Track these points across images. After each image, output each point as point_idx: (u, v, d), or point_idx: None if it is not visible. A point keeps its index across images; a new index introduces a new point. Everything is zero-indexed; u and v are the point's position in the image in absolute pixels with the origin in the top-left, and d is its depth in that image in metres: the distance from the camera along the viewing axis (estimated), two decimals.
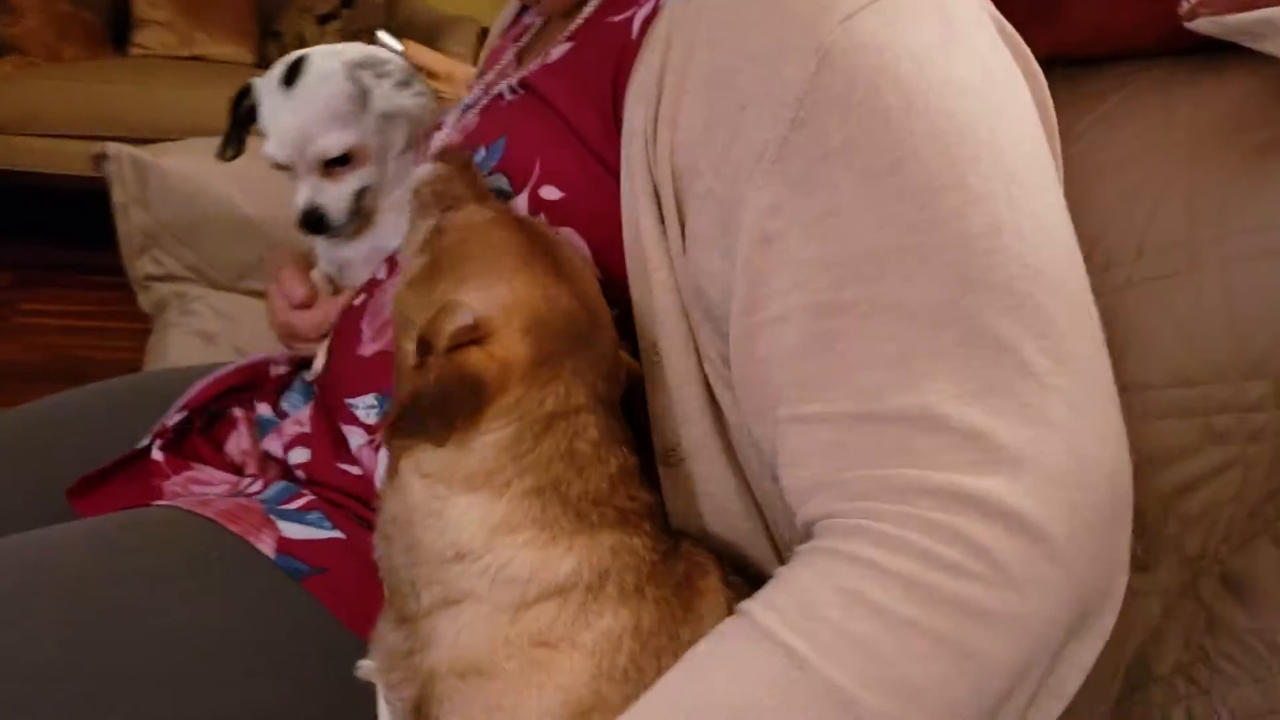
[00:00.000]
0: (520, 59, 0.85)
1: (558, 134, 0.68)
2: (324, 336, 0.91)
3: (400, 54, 2.03)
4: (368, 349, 0.77)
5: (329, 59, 0.89)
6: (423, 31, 3.83)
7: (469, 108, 0.87)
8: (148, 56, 3.79)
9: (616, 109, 0.65)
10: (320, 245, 0.99)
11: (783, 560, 0.65)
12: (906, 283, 0.52)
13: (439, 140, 0.86)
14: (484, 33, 3.89)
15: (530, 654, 0.56)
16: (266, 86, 0.90)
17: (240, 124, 0.95)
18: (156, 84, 3.44)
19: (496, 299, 0.57)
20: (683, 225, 0.61)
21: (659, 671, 0.56)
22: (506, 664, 0.56)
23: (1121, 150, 0.82)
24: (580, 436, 0.59)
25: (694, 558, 0.63)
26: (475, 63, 4.03)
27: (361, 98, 0.88)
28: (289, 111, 0.88)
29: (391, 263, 0.83)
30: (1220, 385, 0.70)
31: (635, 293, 0.64)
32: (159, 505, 0.81)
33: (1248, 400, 0.69)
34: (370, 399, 0.75)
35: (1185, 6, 0.76)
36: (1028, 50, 0.63)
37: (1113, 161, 0.82)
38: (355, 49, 0.92)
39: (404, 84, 0.89)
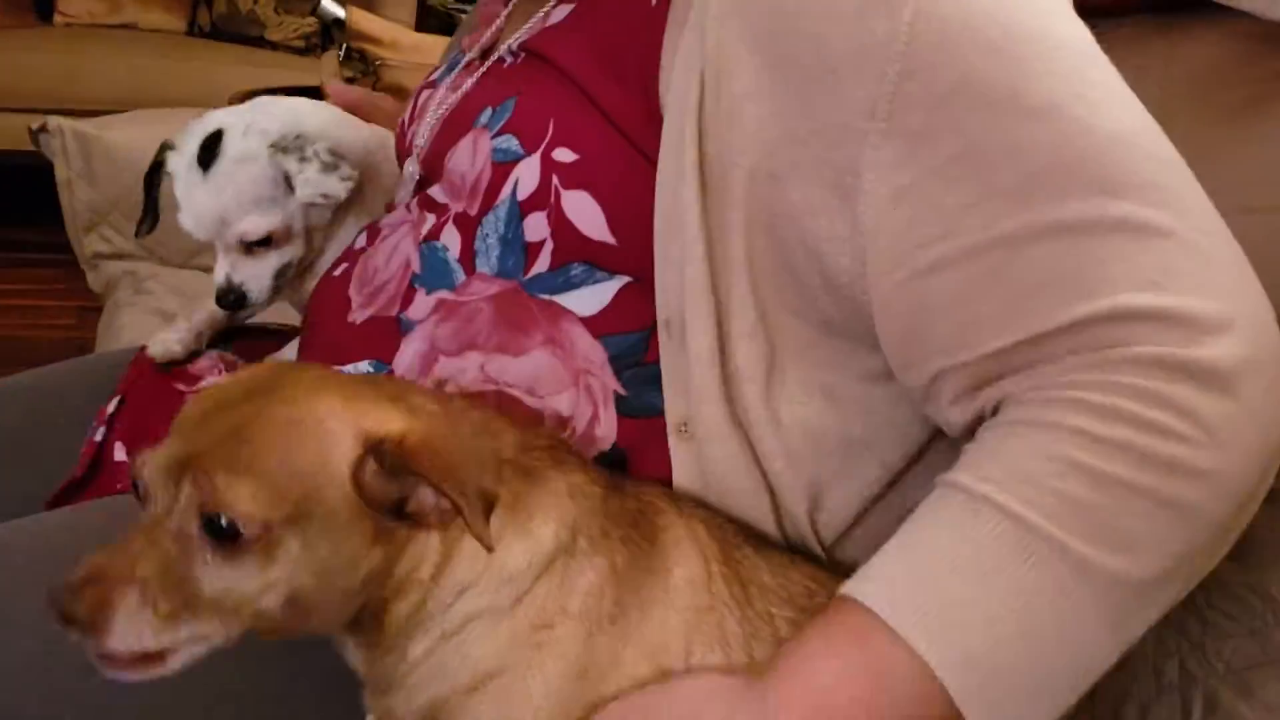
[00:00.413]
0: (511, 18, 0.83)
1: (571, 98, 0.67)
2: None
3: (343, 21, 1.99)
4: (359, 315, 0.76)
5: (248, 137, 0.85)
6: None
7: (455, 67, 0.85)
8: (73, 25, 3.67)
9: (648, 84, 0.64)
10: None
11: (786, 537, 0.65)
12: (1059, 202, 0.52)
13: (432, 102, 0.84)
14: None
15: (533, 640, 0.57)
16: (180, 162, 0.86)
17: (158, 197, 0.92)
18: (85, 54, 3.33)
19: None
20: (754, 205, 0.60)
21: (641, 605, 0.58)
22: (512, 657, 0.57)
23: None
24: (474, 409, 0.61)
25: (642, 496, 0.63)
26: (415, 26, 3.94)
27: (284, 181, 0.84)
28: (206, 193, 0.84)
29: (372, 231, 0.81)
30: None
31: (660, 264, 0.63)
32: None
33: None
34: (365, 365, 0.73)
35: None
36: None
37: None
38: (275, 121, 0.86)
39: (330, 167, 0.84)
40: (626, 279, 0.66)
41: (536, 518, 0.58)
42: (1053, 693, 0.53)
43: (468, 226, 0.70)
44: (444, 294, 0.70)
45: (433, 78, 0.89)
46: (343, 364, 0.74)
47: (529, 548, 0.57)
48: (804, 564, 0.64)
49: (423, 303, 0.71)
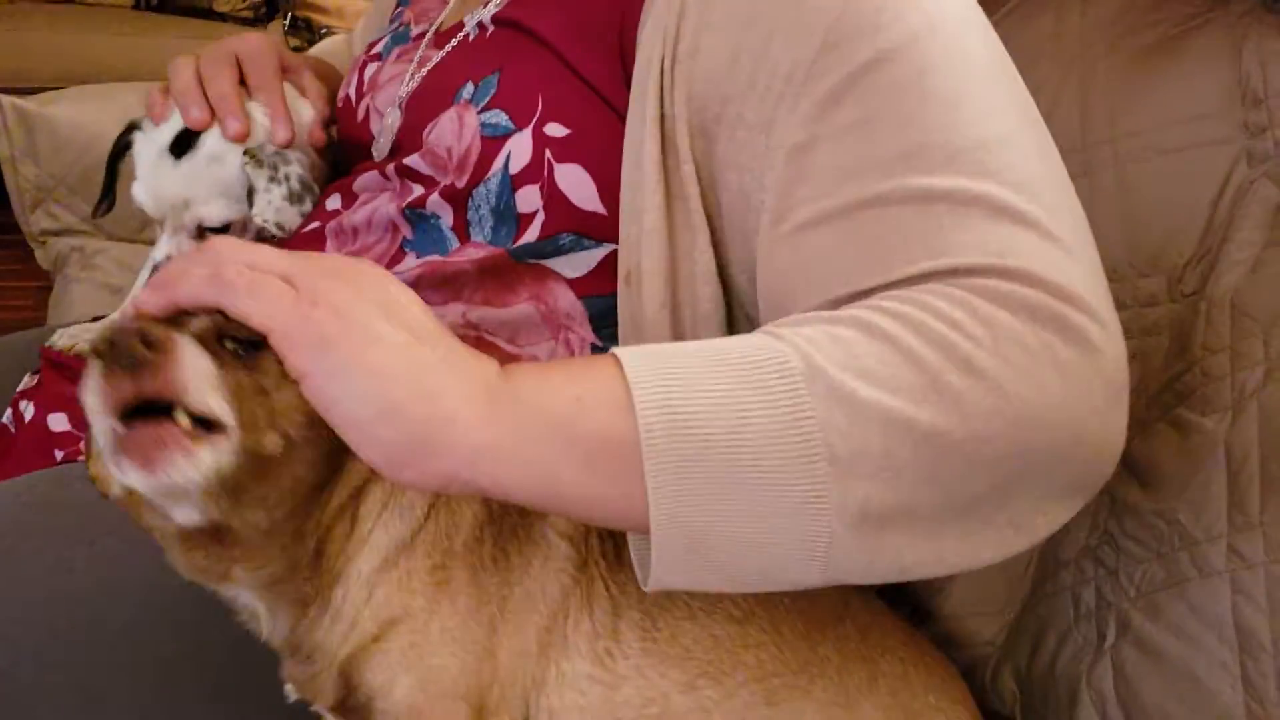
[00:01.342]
0: None
1: (555, 70, 0.68)
2: None
3: None
4: None
5: (224, 143, 0.84)
6: None
7: (400, 39, 0.85)
8: (18, 1, 3.61)
9: (625, 51, 0.66)
10: None
11: None
12: (935, 175, 0.54)
13: (382, 77, 0.84)
14: None
15: (429, 581, 0.58)
16: (149, 146, 0.85)
17: (117, 176, 0.91)
18: (32, 31, 3.27)
19: None
20: (699, 163, 0.62)
21: (521, 552, 0.59)
22: (414, 602, 0.58)
23: (1017, 59, 0.83)
24: None
25: None
26: None
27: (249, 191, 0.84)
28: (174, 178, 0.84)
29: (346, 193, 0.82)
30: (1117, 284, 0.73)
31: (624, 217, 0.65)
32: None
33: (1143, 296, 0.73)
34: None
35: None
36: None
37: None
38: (261, 133, 0.86)
39: (296, 198, 0.84)
40: (612, 246, 0.68)
41: None
42: (734, 537, 0.48)
43: (457, 198, 0.71)
44: (434, 258, 0.72)
45: (375, 50, 0.89)
46: None
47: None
48: None
49: (410, 263, 0.73)
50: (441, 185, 0.72)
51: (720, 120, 0.60)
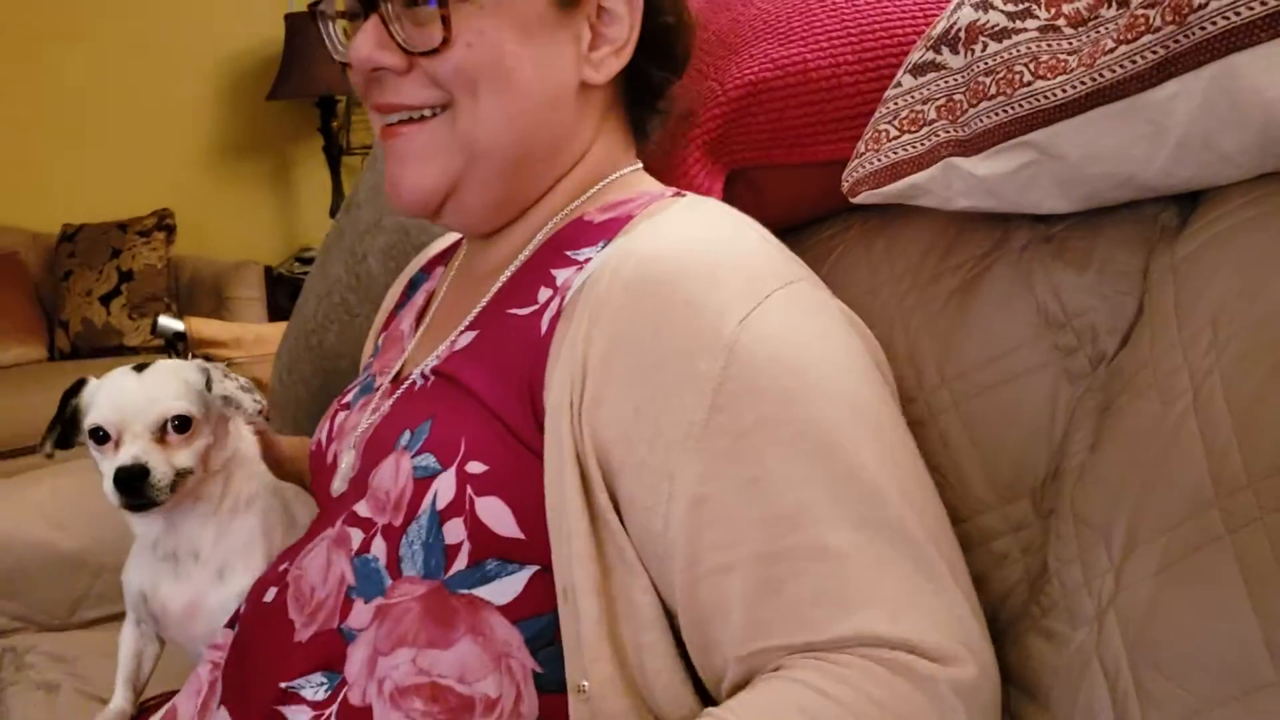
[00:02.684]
0: (420, 344, 0.93)
1: (480, 416, 0.75)
2: None
3: (184, 334, 2.03)
4: (304, 634, 0.79)
5: (177, 362, 0.94)
6: (209, 284, 3.83)
7: (367, 388, 0.93)
8: None
9: (535, 397, 0.74)
10: (136, 579, 0.98)
11: None
12: (829, 526, 0.63)
13: (349, 424, 0.91)
14: (268, 271, 3.93)
15: None
16: (109, 377, 0.92)
17: (67, 420, 0.94)
18: None
19: None
20: (612, 492, 0.70)
21: None
22: None
23: None
24: None
25: None
26: (266, 308, 3.99)
27: (207, 386, 0.92)
28: (136, 387, 0.90)
29: (295, 552, 0.85)
30: (988, 515, 0.77)
31: (554, 540, 0.71)
32: None
33: (1014, 520, 0.76)
34: (318, 676, 0.77)
35: (846, 185, 0.86)
36: (861, 322, 0.78)
37: None
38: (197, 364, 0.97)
39: (247, 389, 0.93)
40: (535, 568, 0.73)
41: None
42: None
43: (393, 536, 0.76)
44: (379, 601, 0.76)
45: (346, 399, 0.97)
46: (290, 678, 0.77)
47: None
48: None
49: (361, 611, 0.76)
50: (380, 525, 0.77)
51: (626, 463, 0.69)
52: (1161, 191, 0.71)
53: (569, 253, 0.80)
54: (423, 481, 0.75)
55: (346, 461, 0.87)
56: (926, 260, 0.86)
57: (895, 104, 0.84)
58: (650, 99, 0.89)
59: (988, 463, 0.78)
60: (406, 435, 0.78)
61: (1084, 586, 0.66)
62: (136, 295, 3.76)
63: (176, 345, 2.06)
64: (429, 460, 0.75)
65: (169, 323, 2.03)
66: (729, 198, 0.99)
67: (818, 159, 0.95)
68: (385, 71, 0.80)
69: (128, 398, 0.89)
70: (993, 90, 0.75)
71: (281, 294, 3.84)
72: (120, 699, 1.00)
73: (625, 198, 0.83)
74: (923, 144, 0.81)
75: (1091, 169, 0.71)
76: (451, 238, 1.09)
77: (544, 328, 0.76)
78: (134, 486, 0.89)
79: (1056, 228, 0.79)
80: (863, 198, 0.85)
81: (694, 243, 0.73)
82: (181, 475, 0.91)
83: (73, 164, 4.13)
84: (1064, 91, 0.69)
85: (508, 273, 0.85)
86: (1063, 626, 0.67)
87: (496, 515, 0.73)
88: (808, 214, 1.01)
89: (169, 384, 0.91)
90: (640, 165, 0.90)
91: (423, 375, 0.84)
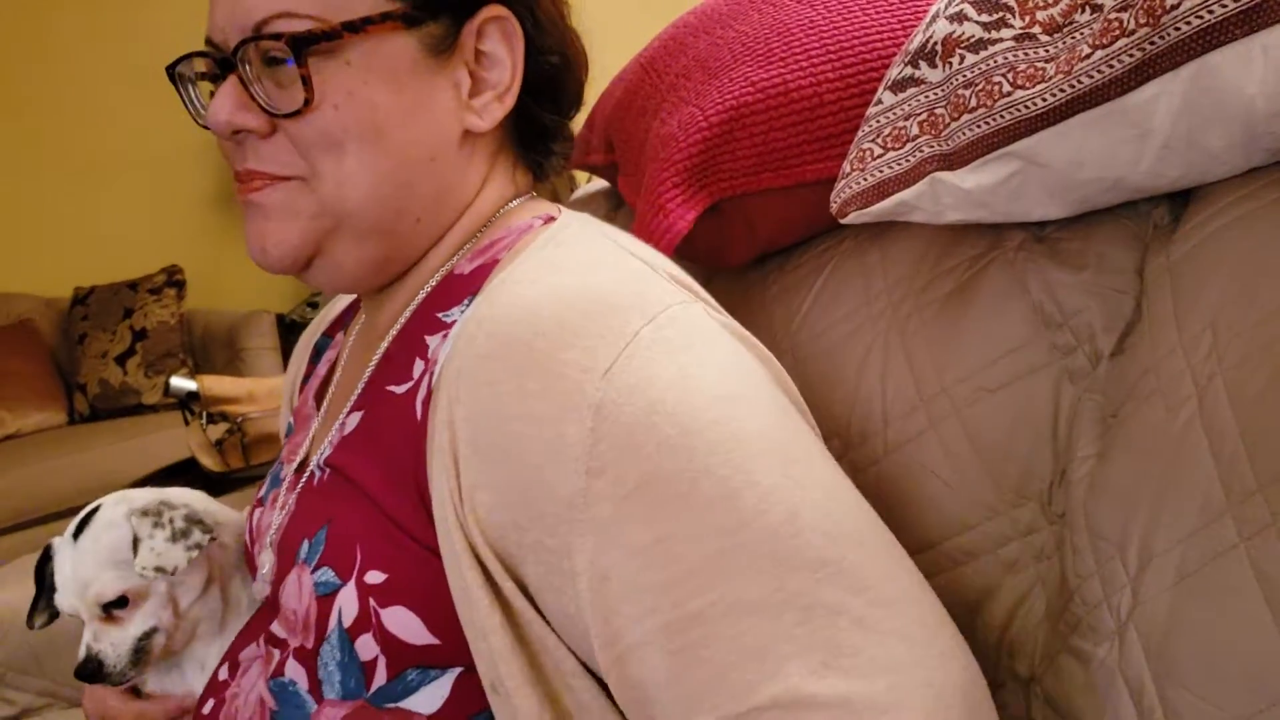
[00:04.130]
0: (322, 425, 0.87)
1: (372, 518, 0.71)
2: None
3: (196, 393, 2.04)
4: None
5: (117, 506, 0.89)
6: (222, 336, 3.85)
7: (275, 481, 0.89)
8: None
9: (422, 491, 0.68)
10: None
11: None
12: (739, 581, 0.57)
13: (264, 523, 0.87)
14: (279, 319, 3.95)
15: None
16: (60, 543, 0.90)
17: (48, 589, 0.93)
18: None
19: None
20: (519, 579, 0.64)
21: None
22: None
23: (843, 328, 0.90)
24: None
25: None
26: (280, 356, 3.99)
27: (135, 545, 0.88)
28: (71, 561, 0.87)
29: (233, 663, 0.84)
30: (996, 520, 0.76)
31: (470, 638, 0.66)
32: None
33: (1022, 525, 0.75)
34: None
35: (835, 206, 0.85)
36: (757, 341, 0.71)
37: (839, 339, 0.90)
38: (145, 495, 0.91)
39: (181, 534, 0.88)
40: (459, 669, 0.69)
41: None
42: None
43: (307, 659, 0.73)
44: None
45: (260, 495, 0.93)
46: None
47: None
48: None
49: None
50: (294, 648, 0.74)
51: (522, 546, 0.63)
52: (1152, 192, 0.70)
53: (440, 314, 0.74)
54: (325, 599, 0.71)
55: (266, 565, 0.83)
56: (920, 267, 0.85)
57: (878, 121, 0.84)
58: (544, 143, 0.84)
59: (992, 467, 0.77)
60: (305, 546, 0.74)
61: (1104, 602, 0.65)
62: (151, 353, 3.79)
63: (191, 405, 2.06)
64: (328, 575, 0.71)
65: (181, 383, 2.04)
66: (717, 227, 0.99)
67: (807, 179, 0.94)
68: (247, 134, 0.73)
69: (67, 581, 0.88)
70: (973, 103, 0.74)
71: (294, 341, 3.85)
72: None
73: (496, 238, 0.77)
74: (907, 160, 0.80)
75: (1079, 175, 0.70)
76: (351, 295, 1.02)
77: (419, 411, 0.70)
78: (96, 679, 0.88)
79: (1049, 228, 0.79)
80: (852, 218, 0.84)
81: (546, 292, 0.65)
82: (145, 638, 0.89)
83: (79, 226, 4.19)
84: (1044, 100, 0.69)
85: (385, 343, 0.79)
86: (1087, 644, 0.66)
87: (405, 625, 0.68)
88: (800, 235, 1.00)
89: (97, 562, 0.87)
90: (527, 195, 0.83)
91: (319, 467, 0.79)
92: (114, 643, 0.87)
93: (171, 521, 0.88)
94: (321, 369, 0.95)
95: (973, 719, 0.58)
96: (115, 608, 0.87)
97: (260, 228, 0.75)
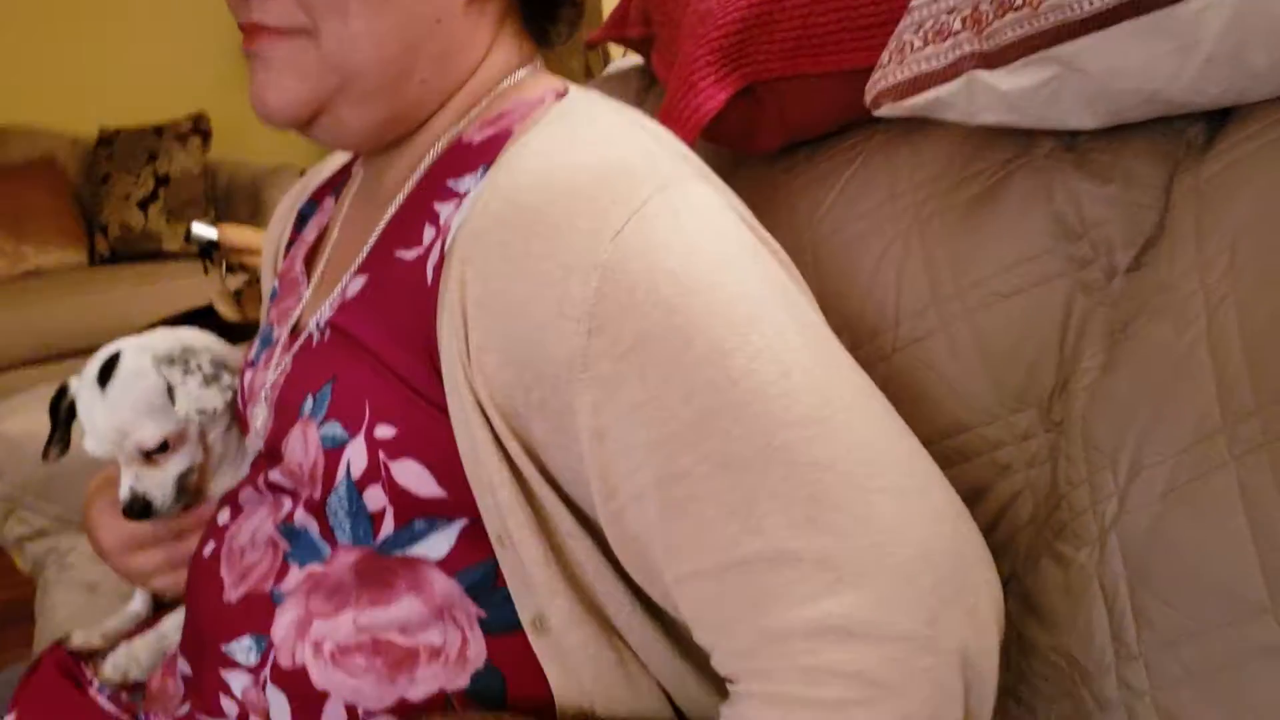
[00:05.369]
0: (316, 290, 0.88)
1: (381, 375, 0.72)
2: (173, 569, 0.95)
3: (216, 242, 2.05)
4: (232, 595, 0.80)
5: (140, 355, 0.91)
6: (246, 188, 3.85)
7: (266, 341, 0.90)
8: None
9: (432, 352, 0.70)
10: None
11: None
12: (727, 438, 0.59)
13: (257, 382, 0.89)
14: (304, 174, 3.92)
15: None
16: (82, 386, 0.92)
17: (62, 423, 0.96)
18: None
19: None
20: (524, 438, 0.67)
21: None
22: None
23: (864, 223, 0.90)
24: None
25: None
26: None
27: (170, 393, 0.91)
28: (104, 410, 0.90)
29: (234, 506, 0.86)
30: (994, 425, 0.77)
31: (478, 493, 0.69)
32: None
33: (1019, 431, 0.76)
34: (247, 640, 0.77)
35: (869, 98, 0.84)
36: (758, 223, 0.72)
37: (859, 234, 0.89)
38: (165, 342, 0.94)
39: (212, 379, 0.91)
40: (465, 520, 0.72)
41: None
42: None
43: (317, 509, 0.75)
44: (314, 567, 0.75)
45: (250, 357, 0.94)
46: (225, 640, 0.78)
47: None
48: None
49: (295, 575, 0.76)
50: (303, 498, 0.77)
51: (529, 405, 0.65)
52: (1188, 108, 0.69)
53: (450, 182, 0.75)
54: (333, 452, 0.72)
55: (260, 419, 0.84)
56: (949, 168, 0.85)
57: (921, 13, 0.82)
58: (550, 7, 0.82)
59: (996, 372, 0.77)
60: (310, 401, 0.75)
61: (1090, 509, 0.66)
62: (174, 200, 3.79)
63: (211, 253, 2.07)
64: (335, 429, 0.72)
65: (202, 230, 2.04)
66: (747, 111, 0.98)
67: (844, 67, 0.93)
68: None
69: (102, 429, 0.90)
70: (1019, 1, 0.72)
71: None
72: (138, 603, 1.04)
73: (505, 109, 0.77)
74: (947, 56, 0.79)
75: (1117, 84, 0.69)
76: (339, 160, 1.02)
77: (430, 277, 0.71)
78: (145, 516, 0.92)
79: (1081, 138, 0.78)
80: (885, 110, 0.83)
81: (560, 160, 0.67)
82: (186, 476, 0.93)
83: (107, 65, 4.14)
84: (1090, 4, 0.67)
85: (393, 207, 0.79)
86: (1069, 549, 0.67)
87: (415, 477, 0.70)
88: (831, 125, 0.99)
89: (135, 412, 0.90)
90: (534, 65, 0.82)
91: (318, 328, 0.80)
92: (157, 483, 0.92)
93: (200, 367, 0.91)
94: (310, 234, 0.96)
95: (961, 581, 0.59)
96: (155, 452, 0.91)
97: (263, 79, 0.75)
